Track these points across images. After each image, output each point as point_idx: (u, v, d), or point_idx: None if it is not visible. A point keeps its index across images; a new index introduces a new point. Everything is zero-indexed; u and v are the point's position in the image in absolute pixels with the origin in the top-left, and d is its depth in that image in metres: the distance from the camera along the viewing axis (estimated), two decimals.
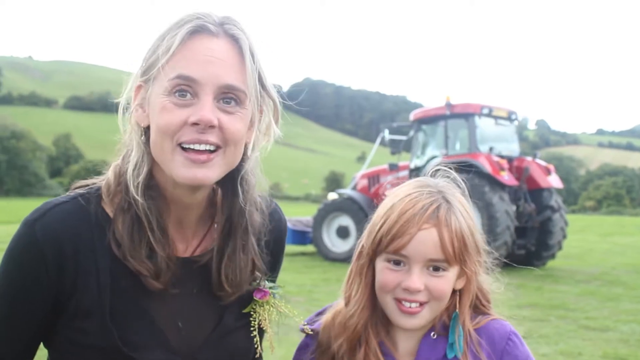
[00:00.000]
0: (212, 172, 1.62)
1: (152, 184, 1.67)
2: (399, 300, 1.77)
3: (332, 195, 21.06)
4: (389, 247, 1.76)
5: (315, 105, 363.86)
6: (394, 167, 18.80)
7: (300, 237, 20.50)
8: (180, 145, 1.59)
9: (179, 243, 1.77)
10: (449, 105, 17.60)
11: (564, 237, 17.76)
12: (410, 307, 1.76)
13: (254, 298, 1.82)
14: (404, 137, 19.35)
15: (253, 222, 1.80)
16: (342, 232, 18.82)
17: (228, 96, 1.61)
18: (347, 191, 19.98)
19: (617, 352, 8.14)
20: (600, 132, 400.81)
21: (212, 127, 1.58)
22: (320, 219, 19.13)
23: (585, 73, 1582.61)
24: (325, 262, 18.35)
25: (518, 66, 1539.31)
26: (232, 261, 1.75)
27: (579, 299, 12.28)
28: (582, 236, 32.29)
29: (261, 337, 1.86)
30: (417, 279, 1.74)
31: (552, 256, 17.61)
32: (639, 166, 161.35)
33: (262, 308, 1.82)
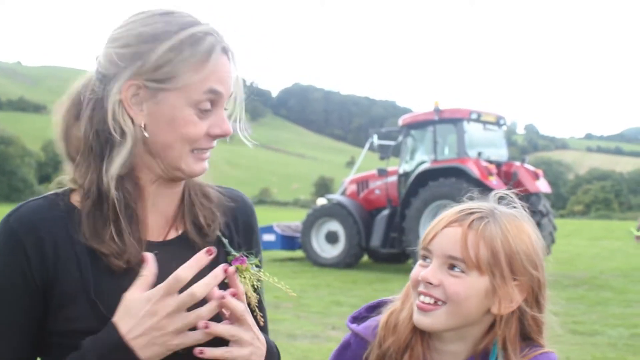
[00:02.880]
0: (206, 163, 1.77)
1: (129, 175, 1.75)
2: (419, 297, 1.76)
3: (321, 201, 21.09)
4: (423, 243, 1.78)
5: (305, 110, 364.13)
6: (382, 173, 18.80)
7: (289, 242, 20.51)
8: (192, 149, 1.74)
9: (158, 228, 1.82)
10: (437, 111, 17.65)
11: (553, 241, 17.81)
12: (424, 301, 1.73)
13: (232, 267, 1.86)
14: (392, 142, 19.40)
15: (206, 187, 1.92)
16: (331, 238, 18.82)
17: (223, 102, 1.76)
18: (336, 196, 20.00)
19: (606, 356, 8.18)
20: (588, 136, 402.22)
21: None
22: (309, 224, 19.13)
23: (574, 78, 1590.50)
24: (314, 267, 18.36)
25: (507, 71, 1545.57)
26: (198, 203, 1.86)
27: (567, 304, 12.32)
28: (571, 240, 32.40)
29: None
30: (432, 271, 1.71)
31: None
32: (628, 170, 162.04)
33: (242, 276, 1.82)
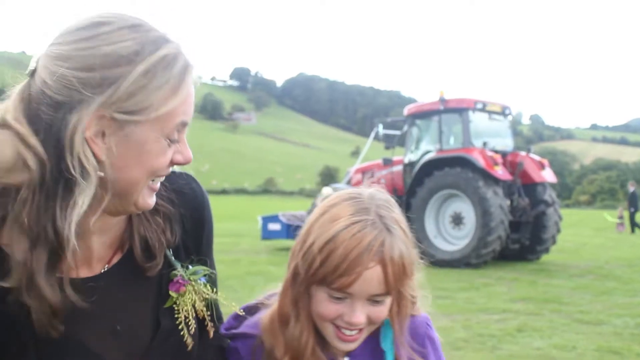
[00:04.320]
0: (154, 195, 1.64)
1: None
2: (337, 328, 1.75)
3: (326, 190, 21.08)
4: (333, 284, 1.69)
5: (309, 100, 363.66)
6: (388, 162, 18.83)
7: (295, 231, 20.49)
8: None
9: (99, 257, 1.66)
10: (442, 100, 17.62)
11: (558, 231, 17.82)
12: (350, 335, 1.75)
13: (170, 292, 1.69)
14: (398, 132, 19.38)
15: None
16: None
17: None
18: (342, 186, 19.98)
19: (611, 346, 8.16)
20: (594, 127, 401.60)
21: None
22: None
23: (580, 68, 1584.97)
24: None
25: (512, 61, 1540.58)
26: (144, 220, 1.69)
27: (573, 293, 12.30)
28: (576, 230, 32.39)
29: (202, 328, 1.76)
30: (360, 314, 1.71)
31: (546, 250, 17.67)
32: (633, 161, 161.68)
33: (183, 300, 1.69)
